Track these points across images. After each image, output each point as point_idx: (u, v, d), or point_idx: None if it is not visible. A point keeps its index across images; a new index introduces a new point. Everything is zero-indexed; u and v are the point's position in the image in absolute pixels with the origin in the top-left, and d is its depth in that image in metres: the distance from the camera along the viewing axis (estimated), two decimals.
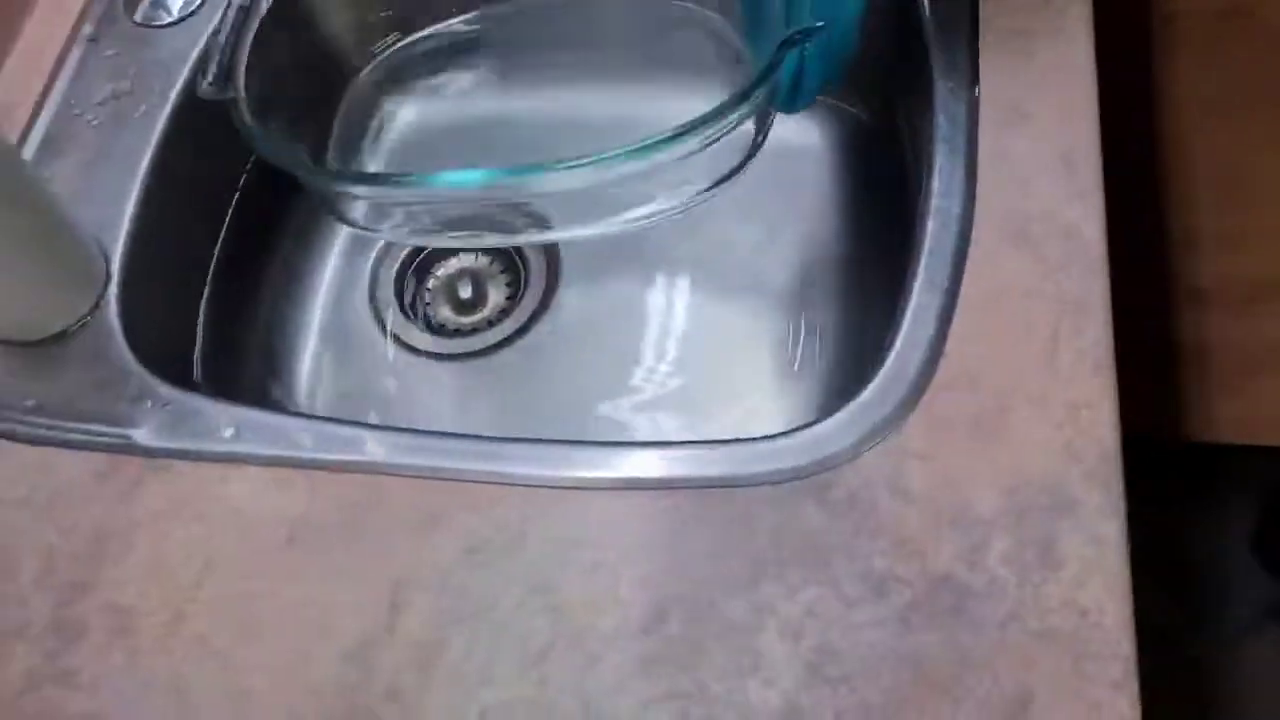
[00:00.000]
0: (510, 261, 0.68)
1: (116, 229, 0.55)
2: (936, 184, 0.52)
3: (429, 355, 0.65)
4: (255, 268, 0.65)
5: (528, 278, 0.67)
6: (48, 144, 0.57)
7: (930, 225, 0.51)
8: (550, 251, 0.68)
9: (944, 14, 0.58)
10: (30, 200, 0.48)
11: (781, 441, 0.47)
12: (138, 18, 0.61)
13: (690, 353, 0.64)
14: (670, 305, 0.65)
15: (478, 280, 0.67)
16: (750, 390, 0.62)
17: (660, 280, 0.66)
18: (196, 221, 0.61)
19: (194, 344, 0.59)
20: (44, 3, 0.62)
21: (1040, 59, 0.56)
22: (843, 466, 0.46)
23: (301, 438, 0.49)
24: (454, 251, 0.68)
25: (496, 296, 0.67)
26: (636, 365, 0.64)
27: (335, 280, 0.67)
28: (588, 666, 0.43)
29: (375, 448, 0.48)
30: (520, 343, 0.66)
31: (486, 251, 0.68)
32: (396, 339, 0.66)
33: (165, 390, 0.50)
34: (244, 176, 0.64)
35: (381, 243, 0.68)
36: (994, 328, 0.49)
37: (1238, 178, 1.54)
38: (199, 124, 0.59)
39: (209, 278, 0.61)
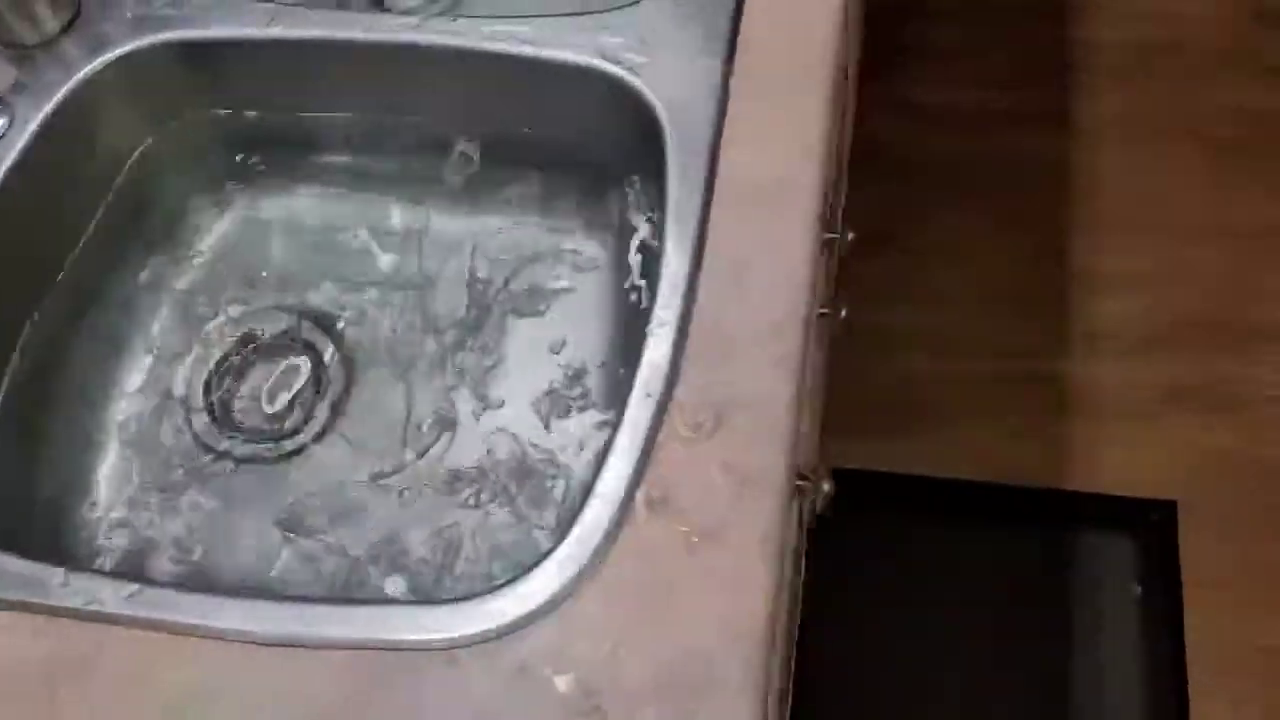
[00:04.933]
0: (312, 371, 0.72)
1: None
2: (647, 356, 0.55)
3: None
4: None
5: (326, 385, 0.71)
6: None
7: (631, 403, 0.54)
8: (348, 363, 0.72)
9: (683, 166, 0.61)
10: None
11: (464, 606, 0.51)
12: None
13: None
14: None
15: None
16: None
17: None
18: None
19: None
20: None
21: (766, 221, 0.59)
22: (519, 633, 0.50)
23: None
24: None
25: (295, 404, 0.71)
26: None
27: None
28: None
29: (80, 593, 0.52)
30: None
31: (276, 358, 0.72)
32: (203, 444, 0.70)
33: None
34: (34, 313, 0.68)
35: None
36: (674, 501, 0.52)
37: (1146, 214, 1.57)
38: None
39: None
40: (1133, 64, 1.66)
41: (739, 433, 0.53)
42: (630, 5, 0.67)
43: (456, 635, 0.50)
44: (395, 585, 0.63)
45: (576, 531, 0.52)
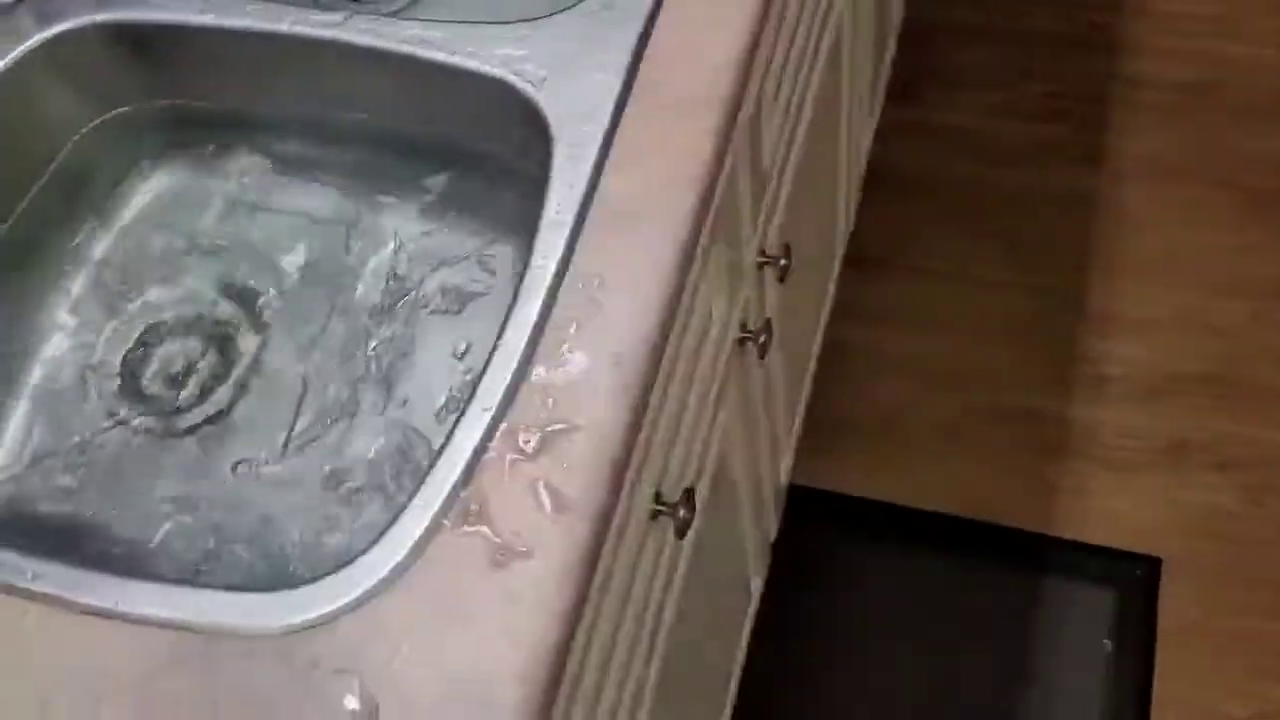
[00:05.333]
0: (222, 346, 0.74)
1: None
2: (491, 369, 0.56)
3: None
4: None
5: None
6: None
7: (467, 415, 0.55)
8: (260, 345, 0.74)
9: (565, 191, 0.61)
10: None
11: (273, 598, 0.52)
12: None
13: None
14: None
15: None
16: None
17: None
18: None
19: None
20: None
21: (633, 243, 0.59)
22: (319, 629, 0.51)
23: None
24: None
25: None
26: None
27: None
28: None
29: None
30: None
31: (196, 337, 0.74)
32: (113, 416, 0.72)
33: None
34: None
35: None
36: (489, 517, 0.52)
37: (1170, 260, 1.52)
38: None
39: None
40: (1173, 104, 1.61)
41: (565, 456, 0.53)
42: (549, 17, 0.68)
43: (262, 625, 0.51)
44: (256, 568, 0.65)
45: (391, 535, 0.52)
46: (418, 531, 0.52)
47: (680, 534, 0.66)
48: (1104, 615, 1.31)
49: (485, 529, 0.52)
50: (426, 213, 0.76)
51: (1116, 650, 1.29)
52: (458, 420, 0.55)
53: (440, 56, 0.67)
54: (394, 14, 0.81)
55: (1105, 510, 1.37)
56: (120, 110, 0.74)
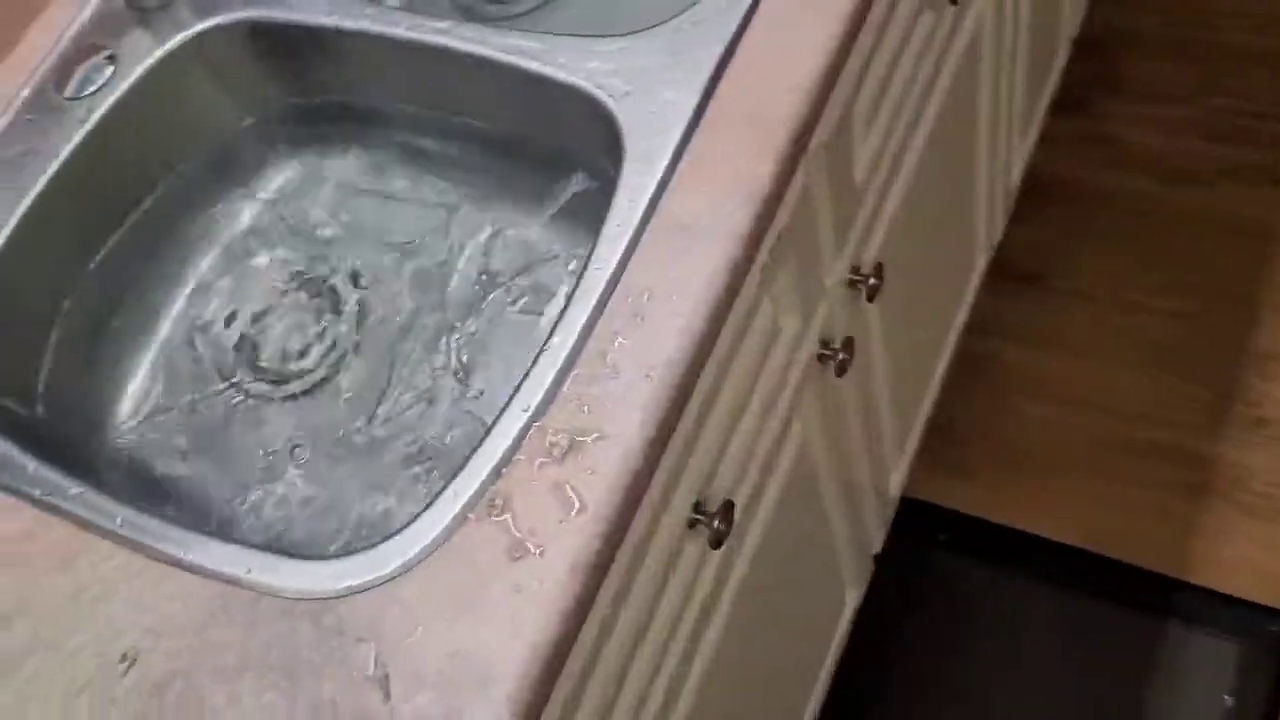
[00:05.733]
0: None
1: None
2: (534, 372, 0.59)
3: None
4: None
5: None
6: None
7: (505, 415, 0.58)
8: (360, 322, 0.79)
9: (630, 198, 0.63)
10: None
11: (313, 565, 0.57)
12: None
13: None
14: None
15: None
16: None
17: None
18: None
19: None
20: None
21: (684, 261, 0.60)
22: (348, 599, 0.55)
23: None
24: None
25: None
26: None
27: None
28: (102, 709, 0.55)
29: (39, 484, 0.62)
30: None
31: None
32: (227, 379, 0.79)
33: None
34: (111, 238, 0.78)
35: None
36: (511, 513, 0.56)
37: None
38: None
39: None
40: None
41: (590, 462, 0.56)
42: (643, 31, 0.70)
43: (303, 588, 0.56)
44: (328, 534, 0.70)
45: (423, 521, 0.56)
46: (446, 520, 0.56)
47: (714, 545, 0.67)
48: (1228, 668, 1.24)
49: (508, 524, 0.56)
50: (525, 210, 0.80)
51: (1237, 706, 1.22)
52: (498, 416, 0.58)
53: (534, 66, 0.70)
54: (524, 14, 0.86)
55: (1243, 559, 1.29)
56: (256, 99, 0.81)
